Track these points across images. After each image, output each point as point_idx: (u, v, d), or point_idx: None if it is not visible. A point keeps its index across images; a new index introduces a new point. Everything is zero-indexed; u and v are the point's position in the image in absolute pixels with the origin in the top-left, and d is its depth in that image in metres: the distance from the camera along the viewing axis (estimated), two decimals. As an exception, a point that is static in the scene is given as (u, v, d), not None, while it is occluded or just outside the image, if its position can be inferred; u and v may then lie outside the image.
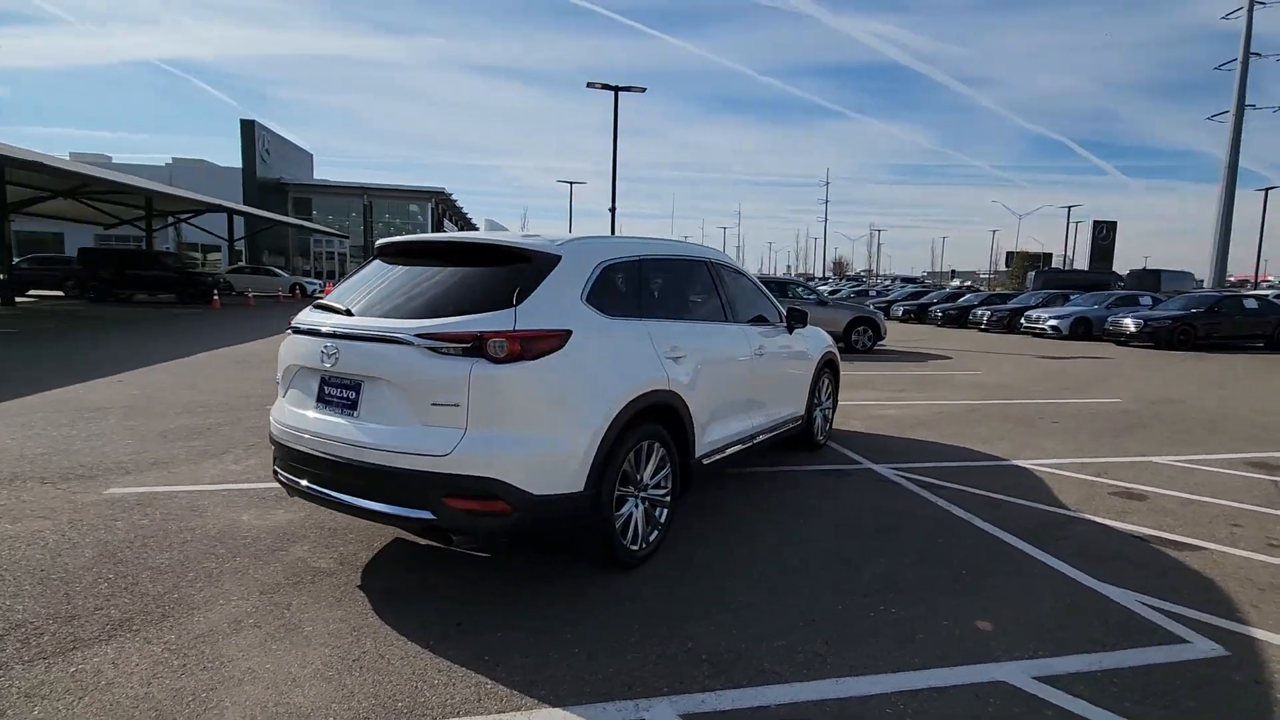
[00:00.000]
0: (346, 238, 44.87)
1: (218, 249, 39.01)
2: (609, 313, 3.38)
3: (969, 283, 69.41)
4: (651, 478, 3.54)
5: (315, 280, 30.90)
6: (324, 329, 3.24)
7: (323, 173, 52.21)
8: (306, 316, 3.47)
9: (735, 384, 4.42)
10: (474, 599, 3.14)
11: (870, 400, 8.71)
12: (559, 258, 3.26)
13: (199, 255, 39.74)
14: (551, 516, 3.03)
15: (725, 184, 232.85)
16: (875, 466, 5.59)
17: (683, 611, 3.06)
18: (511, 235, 3.61)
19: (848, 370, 7.53)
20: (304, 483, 3.23)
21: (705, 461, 3.99)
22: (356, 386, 3.11)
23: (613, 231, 21.52)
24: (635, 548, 3.43)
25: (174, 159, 45.44)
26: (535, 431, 2.97)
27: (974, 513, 4.49)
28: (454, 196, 51.72)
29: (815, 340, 5.78)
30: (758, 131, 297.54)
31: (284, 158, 45.77)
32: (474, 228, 68.03)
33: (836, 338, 13.84)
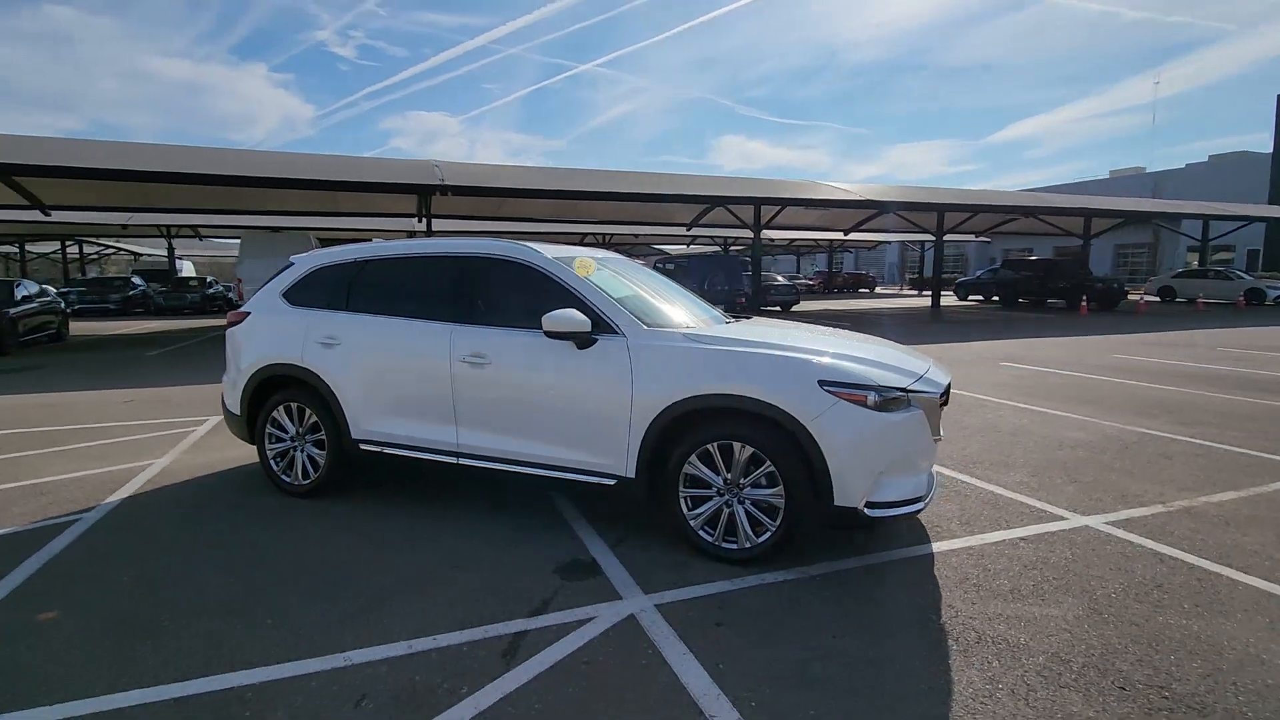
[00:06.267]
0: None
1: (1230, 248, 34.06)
2: (294, 304, 4.44)
3: None
4: (308, 435, 4.32)
5: (1278, 284, 23.22)
6: None
7: None
8: None
9: (419, 385, 3.99)
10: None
11: None
12: (293, 264, 4.64)
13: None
14: (234, 428, 4.66)
15: None
16: (641, 598, 2.96)
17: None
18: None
19: None
20: None
21: (364, 447, 4.11)
22: None
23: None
24: (289, 480, 4.35)
25: (1210, 156, 41.43)
26: (229, 371, 4.69)
27: None
28: None
29: (660, 365, 3.42)
30: None
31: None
32: None
33: None
